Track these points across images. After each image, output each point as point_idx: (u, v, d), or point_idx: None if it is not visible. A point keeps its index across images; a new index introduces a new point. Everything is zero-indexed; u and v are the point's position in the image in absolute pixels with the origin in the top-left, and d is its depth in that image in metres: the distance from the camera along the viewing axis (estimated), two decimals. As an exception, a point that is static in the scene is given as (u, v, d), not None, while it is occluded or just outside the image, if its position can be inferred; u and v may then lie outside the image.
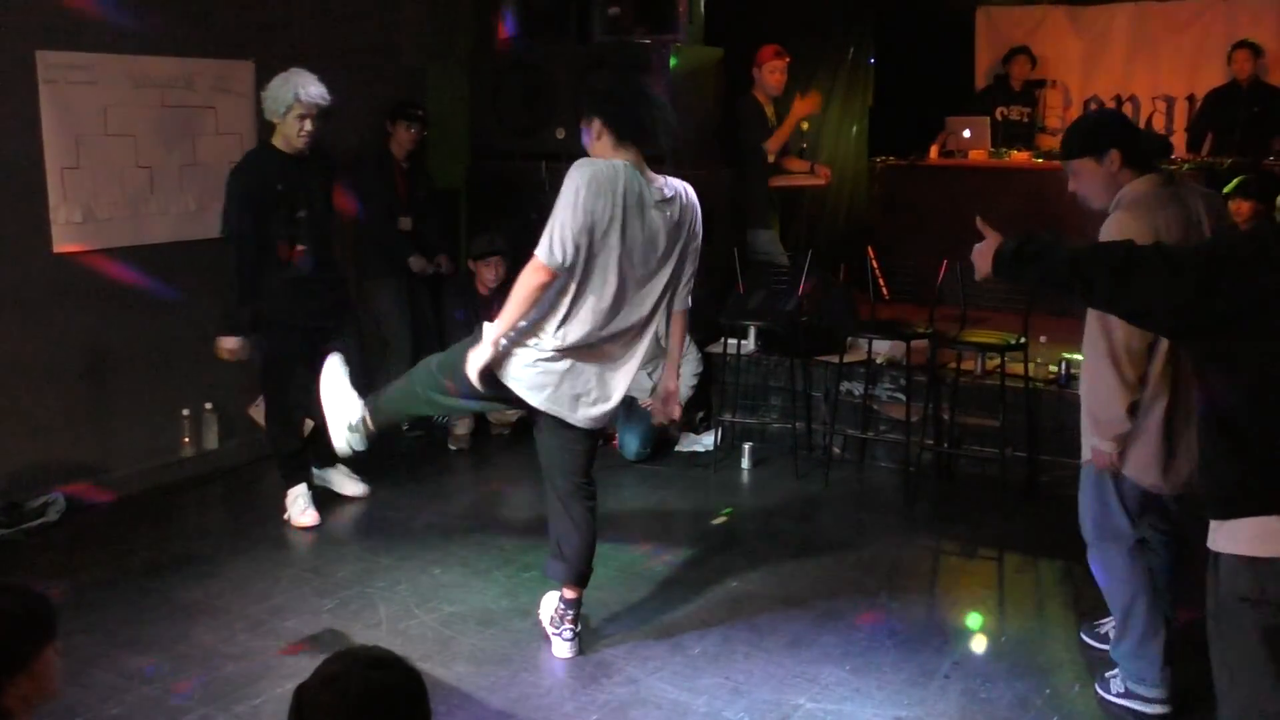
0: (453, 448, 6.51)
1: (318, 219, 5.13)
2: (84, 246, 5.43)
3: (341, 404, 4.44)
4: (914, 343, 6.01)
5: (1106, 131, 3.61)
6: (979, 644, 4.31)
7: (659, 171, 3.98)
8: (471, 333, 6.16)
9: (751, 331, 6.62)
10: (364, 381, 5.49)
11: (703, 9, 7.16)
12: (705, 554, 5.11)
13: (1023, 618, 4.58)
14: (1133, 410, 3.48)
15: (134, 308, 5.60)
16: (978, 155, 8.31)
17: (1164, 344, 3.43)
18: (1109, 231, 3.40)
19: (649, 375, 5.62)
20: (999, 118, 8.74)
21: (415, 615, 4.41)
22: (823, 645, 4.22)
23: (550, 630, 4.14)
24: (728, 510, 5.71)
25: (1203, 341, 2.52)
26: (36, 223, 5.25)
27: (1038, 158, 8.22)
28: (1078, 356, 3.86)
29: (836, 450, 6.38)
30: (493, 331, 3.87)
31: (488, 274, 6.34)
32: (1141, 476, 3.60)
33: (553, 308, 3.84)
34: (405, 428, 6.78)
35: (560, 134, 6.69)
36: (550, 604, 4.19)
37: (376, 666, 1.86)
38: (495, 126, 7.07)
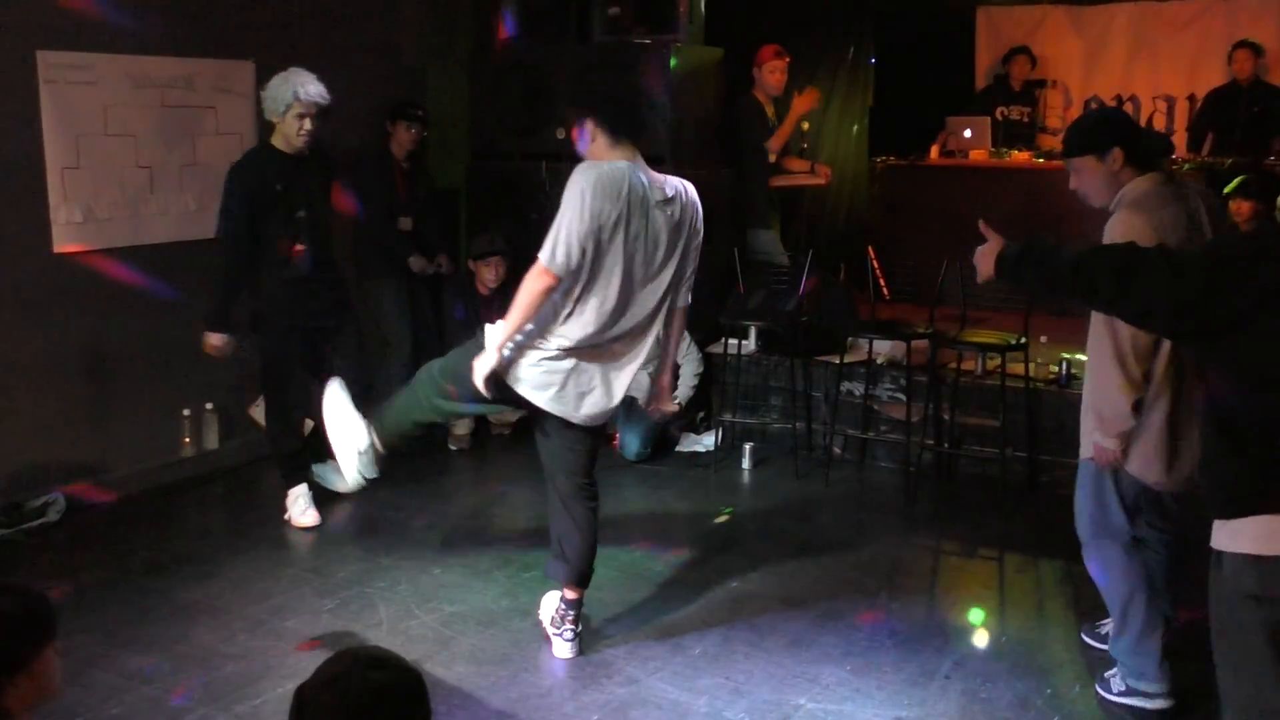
0: (453, 448, 6.51)
1: (317, 219, 5.13)
2: (84, 246, 5.43)
3: (348, 431, 4.36)
4: (914, 343, 6.01)
5: (1109, 130, 3.62)
6: (979, 644, 4.31)
7: (658, 170, 3.98)
8: (471, 333, 6.21)
9: (752, 331, 6.62)
10: (364, 381, 5.52)
11: (703, 9, 7.16)
12: (705, 554, 5.11)
13: (1023, 618, 4.58)
14: (1137, 407, 3.49)
15: (134, 308, 5.60)
16: (978, 155, 8.31)
17: (1168, 341, 3.43)
18: (1115, 230, 3.41)
19: (649, 375, 5.61)
20: (999, 118, 8.74)
21: (415, 615, 4.41)
22: (823, 645, 4.22)
23: (551, 630, 4.14)
24: (728, 510, 5.71)
25: (1205, 342, 2.52)
26: (37, 223, 5.25)
27: (1038, 158, 8.23)
28: (1079, 356, 3.87)
29: (837, 450, 6.38)
30: (497, 337, 3.86)
31: (488, 274, 6.34)
32: (1144, 473, 3.61)
33: (557, 309, 3.84)
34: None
35: (560, 134, 6.68)
36: (551, 604, 4.19)
37: (377, 666, 1.86)
38: (495, 126, 7.07)
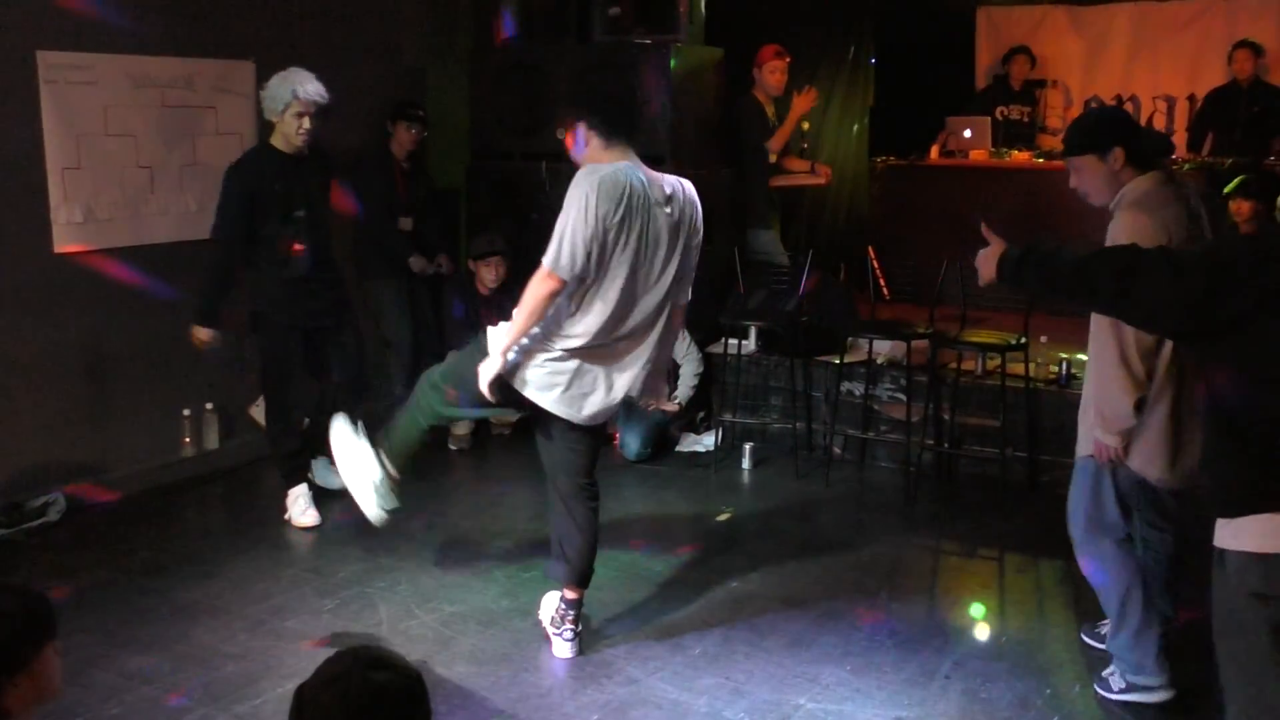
0: (453, 447, 6.51)
1: (316, 218, 5.13)
2: (85, 246, 5.43)
3: (358, 466, 4.25)
4: (914, 343, 6.00)
5: (1111, 129, 3.62)
6: (979, 644, 4.31)
7: (658, 170, 3.98)
8: (471, 331, 6.21)
9: (752, 331, 6.62)
10: (363, 382, 5.52)
11: (703, 9, 7.16)
12: (705, 554, 5.11)
13: (1023, 618, 4.58)
14: (1139, 406, 3.49)
15: (134, 308, 5.60)
16: (978, 155, 8.31)
17: None
18: (1120, 230, 3.41)
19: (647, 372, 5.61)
20: (999, 117, 8.74)
21: (416, 615, 4.41)
22: (823, 645, 4.22)
23: (551, 630, 4.14)
24: (728, 510, 5.71)
25: (1206, 342, 2.53)
26: (37, 223, 5.26)
27: (1038, 157, 8.23)
28: (1079, 356, 3.87)
29: (837, 450, 6.38)
30: (501, 342, 3.86)
31: (487, 274, 6.34)
32: (1146, 469, 3.61)
33: (562, 312, 3.84)
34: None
35: (560, 133, 6.68)
36: (551, 604, 4.19)
37: (377, 666, 1.86)
38: (495, 126, 7.07)
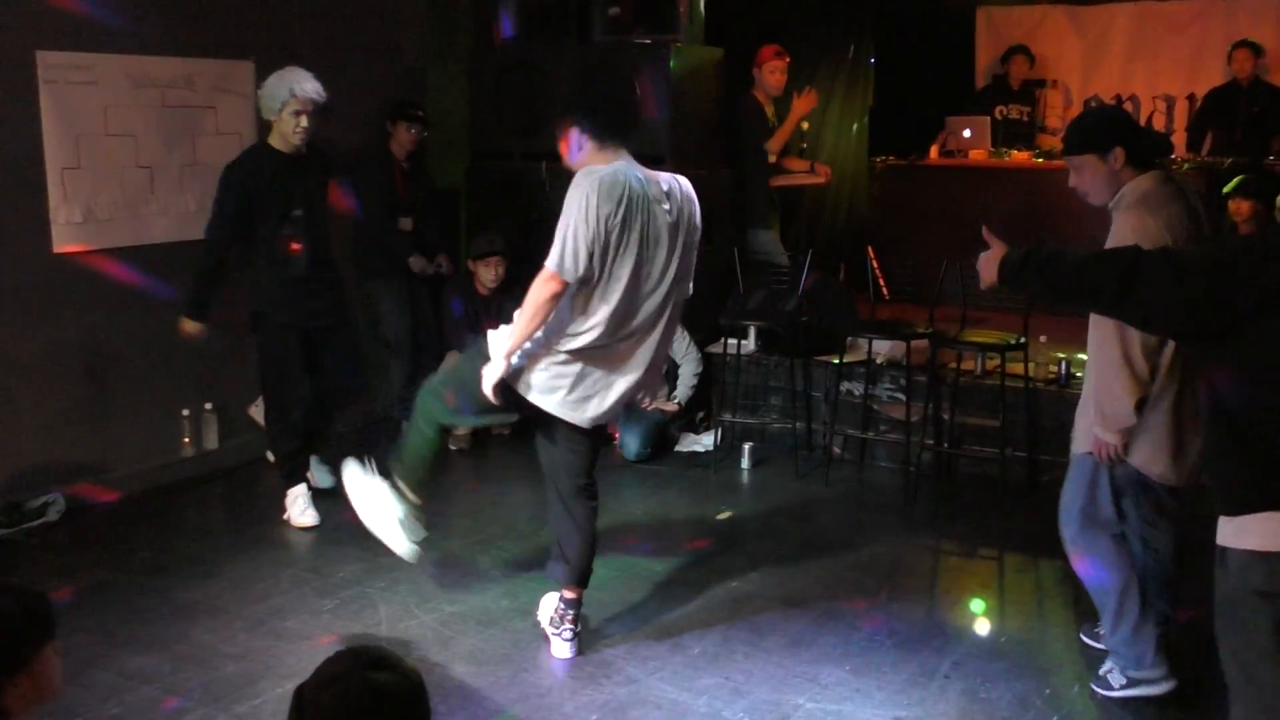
0: (453, 447, 6.50)
1: (314, 218, 5.13)
2: (84, 246, 5.43)
3: (379, 506, 4.21)
4: (914, 343, 6.01)
5: (1111, 129, 3.63)
6: (979, 644, 4.30)
7: (656, 169, 3.99)
8: (469, 329, 6.22)
9: (751, 331, 6.62)
10: (359, 383, 5.53)
11: (703, 9, 7.16)
12: (705, 554, 5.11)
13: (1022, 618, 4.58)
14: (1140, 405, 3.49)
15: (134, 308, 5.61)
16: (978, 155, 8.31)
17: None
18: (1125, 229, 3.43)
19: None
20: (998, 117, 8.74)
21: (415, 615, 4.41)
22: (823, 645, 4.22)
23: (550, 630, 4.14)
24: (728, 510, 5.70)
25: (1207, 343, 2.53)
26: (37, 223, 5.26)
27: (1038, 157, 8.23)
28: (1079, 356, 3.88)
29: (837, 450, 6.38)
30: (504, 344, 3.86)
31: (487, 274, 6.34)
32: (1148, 466, 3.63)
33: (565, 315, 3.84)
34: (404, 424, 6.78)
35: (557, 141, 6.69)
36: (550, 605, 4.19)
37: (377, 667, 1.86)
38: (495, 126, 7.07)
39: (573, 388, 3.89)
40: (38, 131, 5.21)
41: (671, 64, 6.56)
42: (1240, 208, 5.79)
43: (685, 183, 3.98)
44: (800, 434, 6.40)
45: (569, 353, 3.85)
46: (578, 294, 3.80)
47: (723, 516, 5.64)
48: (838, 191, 8.82)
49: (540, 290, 3.75)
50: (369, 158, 6.48)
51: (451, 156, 7.26)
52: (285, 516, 5.32)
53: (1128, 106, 8.93)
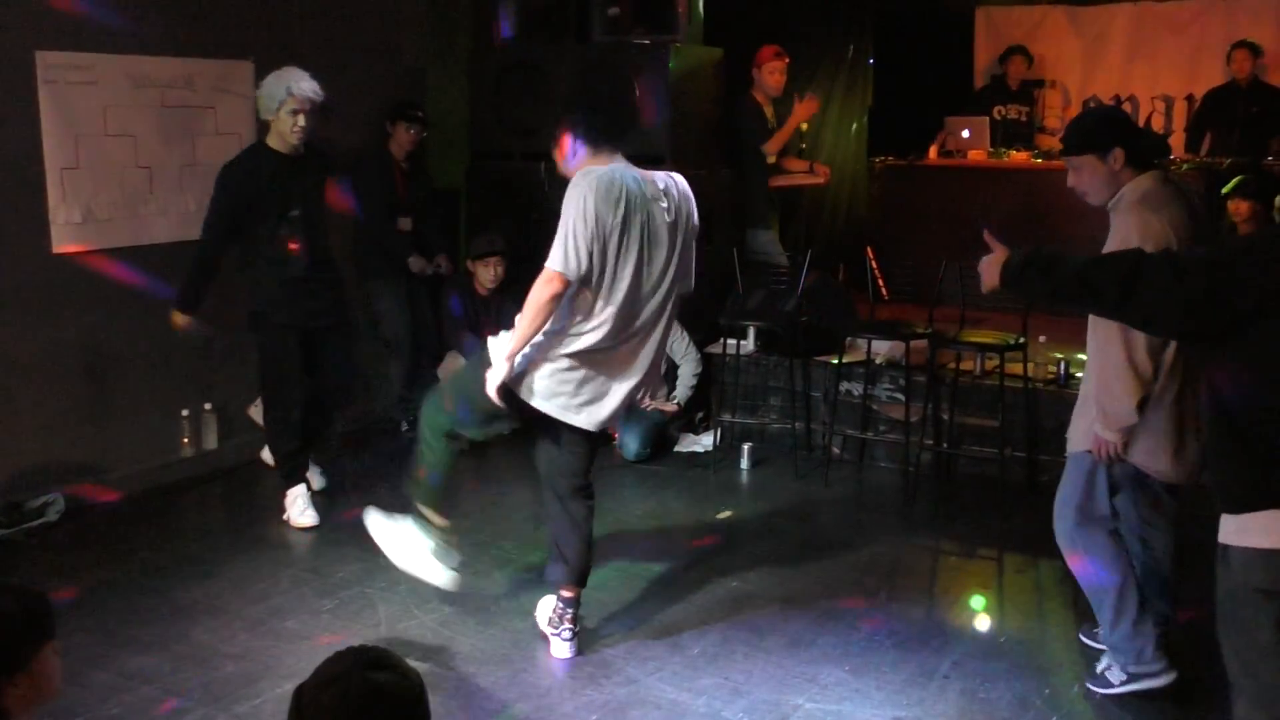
0: (453, 448, 6.49)
1: (312, 218, 5.14)
2: (84, 247, 5.43)
3: (409, 545, 4.19)
4: (913, 343, 6.01)
5: (1111, 129, 3.64)
6: (978, 644, 4.30)
7: (656, 170, 4.00)
8: (468, 332, 6.23)
9: (751, 332, 6.62)
10: (352, 385, 5.53)
11: (702, 9, 7.16)
12: (705, 554, 5.11)
13: (1022, 618, 4.58)
14: (1142, 405, 3.50)
15: (134, 308, 5.60)
16: (977, 155, 8.32)
17: None
18: (1130, 228, 3.44)
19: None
20: (997, 117, 8.75)
21: (415, 615, 4.41)
22: (822, 645, 4.22)
23: (549, 630, 4.14)
24: (728, 510, 5.70)
25: (1209, 343, 2.54)
26: (36, 223, 5.26)
27: (1037, 158, 8.23)
28: (1078, 356, 3.89)
29: (836, 450, 6.38)
30: (505, 347, 3.87)
31: (486, 274, 6.34)
32: (1149, 463, 3.64)
33: (568, 317, 3.85)
34: (405, 428, 6.79)
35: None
36: (548, 607, 4.19)
37: (376, 667, 1.86)
38: (495, 126, 7.07)
39: (576, 392, 3.90)
40: (37, 131, 5.21)
41: (671, 64, 6.56)
42: (1239, 208, 5.79)
43: (680, 179, 4.01)
44: (799, 434, 6.40)
45: (572, 356, 3.86)
46: (581, 295, 3.81)
47: (723, 516, 5.64)
48: (837, 192, 8.82)
49: (541, 291, 3.76)
50: (369, 158, 6.48)
51: (451, 156, 7.26)
52: (285, 517, 5.32)
53: (1126, 107, 8.93)
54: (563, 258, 3.73)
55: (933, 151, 8.50)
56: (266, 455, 5.66)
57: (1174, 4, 8.91)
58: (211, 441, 6.07)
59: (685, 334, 6.40)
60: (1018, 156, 8.28)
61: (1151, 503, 3.80)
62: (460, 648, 4.16)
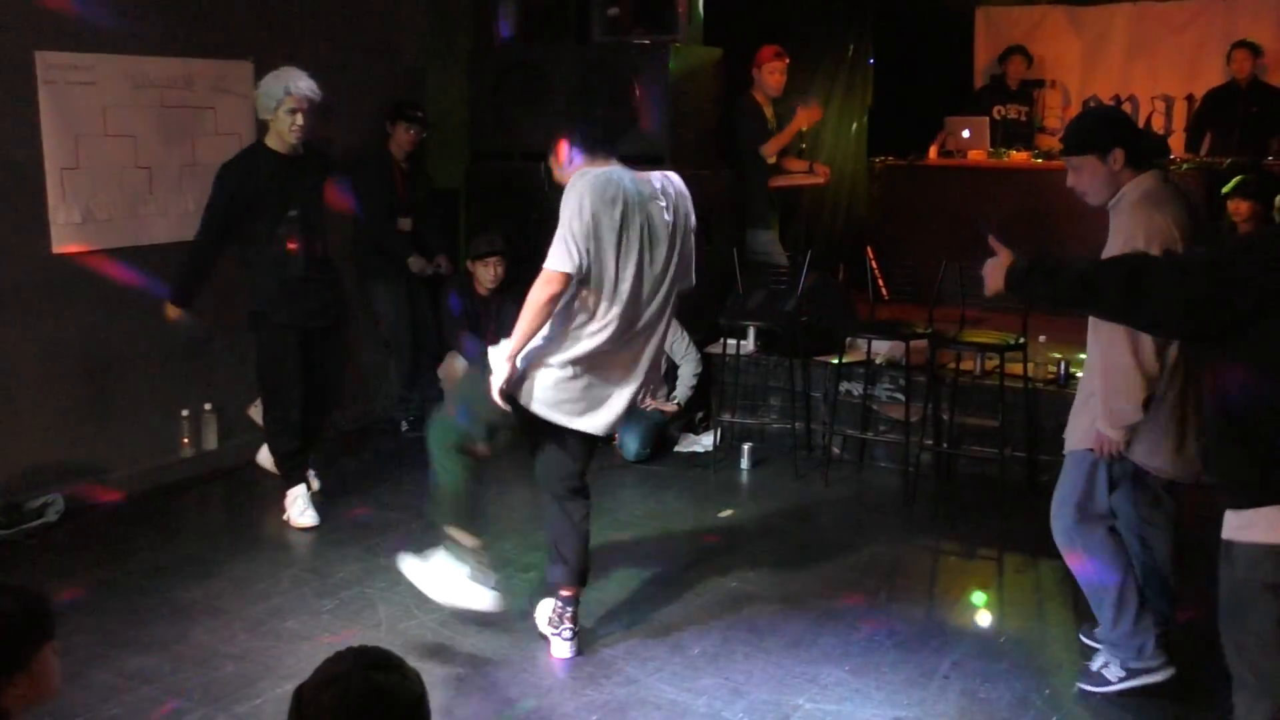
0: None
1: (310, 218, 5.14)
2: (83, 247, 5.43)
3: (447, 576, 4.11)
4: (913, 343, 6.01)
5: (1111, 129, 3.65)
6: (978, 644, 4.30)
7: (654, 169, 4.02)
8: (467, 331, 6.24)
9: (751, 332, 6.62)
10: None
11: (701, 9, 7.16)
12: (705, 554, 5.11)
13: (1022, 618, 4.58)
14: (1147, 403, 3.51)
15: (134, 308, 5.60)
16: (977, 155, 8.31)
17: None
18: (1134, 226, 3.45)
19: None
20: (996, 117, 8.75)
21: (415, 616, 4.41)
22: (822, 646, 4.22)
23: (549, 631, 4.14)
24: (728, 510, 5.70)
25: (1212, 343, 2.55)
26: (36, 223, 5.25)
27: (1037, 158, 8.23)
28: (1080, 356, 3.89)
29: (836, 450, 6.38)
30: (508, 347, 3.88)
31: (486, 274, 6.33)
32: (1148, 460, 3.64)
33: (572, 320, 3.85)
34: (405, 428, 6.79)
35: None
36: (547, 607, 4.19)
37: (377, 667, 1.86)
38: (495, 126, 7.07)
39: (580, 398, 3.91)
40: (37, 132, 5.21)
41: (670, 64, 6.56)
42: (1239, 208, 5.80)
43: (675, 177, 4.04)
44: (799, 434, 6.40)
45: (576, 363, 3.87)
46: (584, 297, 3.82)
47: (723, 516, 5.64)
48: (837, 192, 8.82)
49: (540, 291, 3.77)
50: (368, 158, 6.48)
51: (451, 157, 7.26)
52: (285, 517, 5.32)
53: (1126, 107, 8.93)
54: (560, 257, 3.74)
55: (933, 151, 8.50)
56: (262, 459, 5.65)
57: (1174, 4, 8.91)
58: (211, 441, 6.07)
59: (685, 334, 6.40)
60: (1018, 156, 8.28)
61: (1151, 501, 3.82)
62: (460, 648, 4.16)
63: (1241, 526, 2.52)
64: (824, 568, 4.95)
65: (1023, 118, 8.93)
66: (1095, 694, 3.85)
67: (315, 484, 5.53)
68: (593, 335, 3.85)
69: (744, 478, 6.23)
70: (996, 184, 8.00)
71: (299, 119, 4.95)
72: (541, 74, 6.86)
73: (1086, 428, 3.71)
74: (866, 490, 6.06)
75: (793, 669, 4.04)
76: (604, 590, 4.56)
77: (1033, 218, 7.40)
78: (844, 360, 6.23)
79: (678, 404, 6.47)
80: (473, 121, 7.23)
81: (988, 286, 2.93)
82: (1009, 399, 5.83)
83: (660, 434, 6.46)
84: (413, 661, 1.94)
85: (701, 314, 6.41)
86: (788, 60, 7.10)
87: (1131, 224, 3.47)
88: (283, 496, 5.35)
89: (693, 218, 4.04)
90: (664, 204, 3.91)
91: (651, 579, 4.80)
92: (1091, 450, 3.69)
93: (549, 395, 3.90)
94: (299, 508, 5.29)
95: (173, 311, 5.19)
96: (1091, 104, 9.02)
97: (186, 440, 6.00)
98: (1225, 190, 5.96)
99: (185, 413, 5.96)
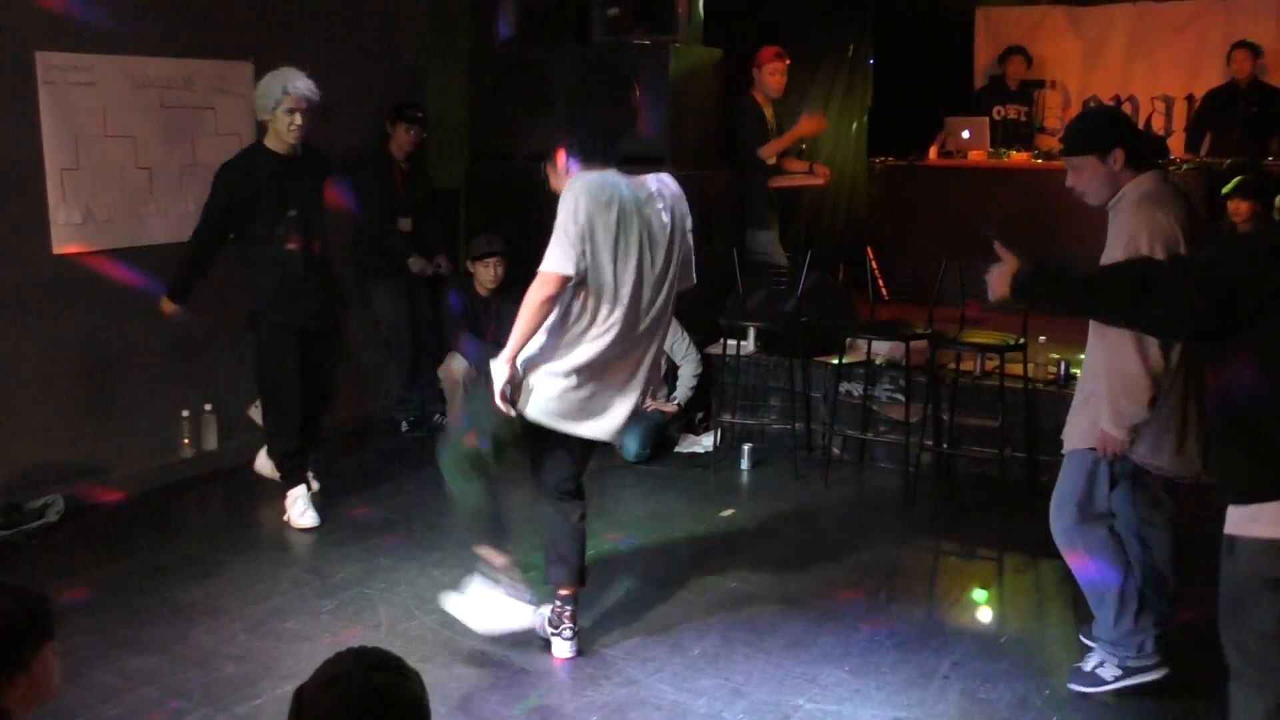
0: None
1: (308, 219, 5.15)
2: (84, 247, 5.43)
3: (483, 605, 4.06)
4: (913, 343, 6.01)
5: (1111, 130, 3.66)
6: (978, 644, 4.30)
7: (654, 169, 4.03)
8: (467, 330, 6.24)
9: (751, 332, 6.62)
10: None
11: (702, 9, 7.16)
12: (705, 554, 5.11)
13: (1022, 618, 4.58)
14: (1154, 403, 3.51)
15: (134, 308, 5.60)
16: (977, 155, 8.31)
17: None
18: (1137, 225, 3.46)
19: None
20: (996, 117, 8.75)
21: (415, 616, 4.41)
22: (822, 646, 4.22)
23: (550, 631, 4.14)
24: (728, 510, 5.70)
25: (1215, 342, 2.56)
26: (36, 224, 5.26)
27: (1037, 158, 8.23)
28: (1080, 356, 3.90)
29: (836, 451, 6.38)
30: (507, 350, 3.88)
31: (486, 275, 6.33)
32: (1150, 458, 3.65)
33: (573, 325, 3.85)
34: (405, 428, 6.79)
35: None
36: (547, 607, 4.18)
37: (377, 668, 1.86)
38: (495, 127, 7.07)
39: (585, 406, 3.92)
40: (37, 132, 5.21)
41: (670, 65, 6.56)
42: (1239, 208, 5.79)
43: (669, 179, 4.06)
44: (799, 435, 6.40)
45: (579, 370, 3.87)
46: (586, 302, 3.82)
47: (724, 515, 5.64)
48: (837, 192, 8.82)
49: (536, 293, 3.79)
50: (368, 158, 6.48)
51: (451, 157, 7.26)
52: (285, 518, 5.32)
53: (1126, 107, 8.92)
54: (555, 259, 3.76)
55: (933, 152, 8.50)
56: (260, 467, 5.65)
57: (1174, 4, 8.90)
58: (211, 442, 6.07)
59: (685, 334, 6.40)
60: (1018, 157, 8.27)
61: (1150, 501, 3.82)
62: (461, 648, 4.16)
63: (1245, 521, 2.52)
64: (824, 568, 4.95)
65: (1022, 118, 8.92)
66: (1091, 693, 3.85)
67: (315, 485, 5.52)
68: (595, 340, 3.86)
69: (744, 478, 6.24)
70: (996, 184, 7.99)
71: (297, 119, 4.95)
72: (541, 74, 6.86)
73: (1087, 427, 3.71)
74: (866, 491, 6.06)
75: (793, 669, 4.04)
76: (604, 590, 4.56)
77: (1033, 218, 7.39)
78: (844, 361, 6.23)
79: (678, 404, 6.47)
80: (473, 121, 7.22)
81: (992, 293, 2.95)
82: (1009, 399, 5.83)
83: (660, 434, 6.46)
84: (413, 662, 1.94)
85: (701, 314, 6.41)
86: (788, 61, 7.10)
87: (1134, 223, 3.48)
88: (283, 497, 5.35)
89: (689, 218, 4.06)
90: (661, 206, 3.92)
91: (651, 579, 4.80)
92: (1093, 450, 3.69)
93: (553, 406, 3.91)
94: (299, 508, 5.30)
95: (168, 307, 5.23)
96: (1091, 104, 9.02)
97: (186, 440, 6.00)
98: (1225, 190, 5.95)
99: (185, 413, 5.96)
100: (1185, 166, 7.53)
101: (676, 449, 6.55)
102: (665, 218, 3.92)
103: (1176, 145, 8.52)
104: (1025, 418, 5.85)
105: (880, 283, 7.34)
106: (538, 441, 4.09)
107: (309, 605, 4.50)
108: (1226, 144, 7.86)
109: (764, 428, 6.61)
